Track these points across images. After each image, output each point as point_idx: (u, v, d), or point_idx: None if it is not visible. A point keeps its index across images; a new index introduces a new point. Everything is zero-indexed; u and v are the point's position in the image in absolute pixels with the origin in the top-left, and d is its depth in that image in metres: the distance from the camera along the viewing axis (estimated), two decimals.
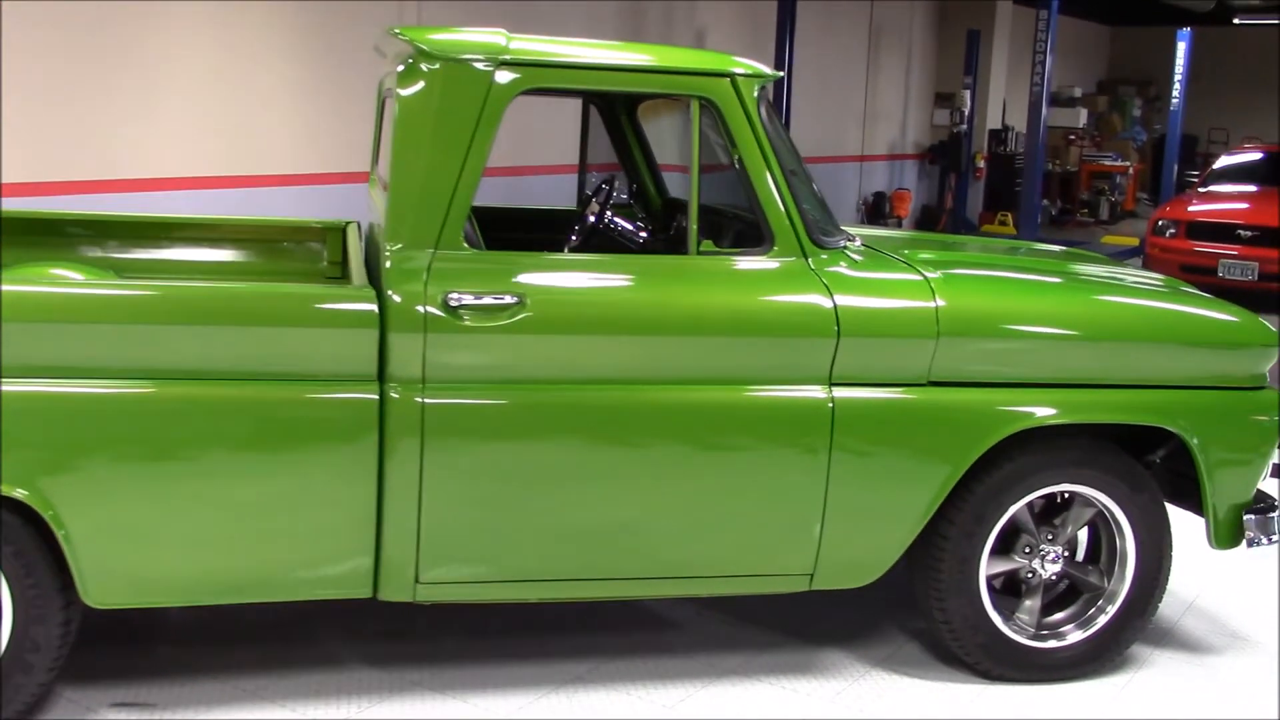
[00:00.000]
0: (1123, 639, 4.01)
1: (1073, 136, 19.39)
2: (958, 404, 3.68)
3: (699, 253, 3.60)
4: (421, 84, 3.42)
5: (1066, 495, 3.93)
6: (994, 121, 17.46)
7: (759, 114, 3.61)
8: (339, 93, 8.49)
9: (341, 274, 4.53)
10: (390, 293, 3.35)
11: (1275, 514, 4.01)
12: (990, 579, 3.88)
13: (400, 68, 3.53)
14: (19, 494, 3.13)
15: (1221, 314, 4.05)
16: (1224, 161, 13.61)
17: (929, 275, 3.75)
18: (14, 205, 5.64)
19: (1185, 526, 4.22)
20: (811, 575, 3.72)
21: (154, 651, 3.86)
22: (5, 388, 3.11)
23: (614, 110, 4.63)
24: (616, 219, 4.26)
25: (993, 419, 3.69)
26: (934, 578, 3.83)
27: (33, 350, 3.13)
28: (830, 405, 3.59)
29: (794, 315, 3.58)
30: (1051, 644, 3.96)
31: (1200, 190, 13.00)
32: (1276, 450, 4.05)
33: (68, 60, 7.07)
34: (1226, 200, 12.27)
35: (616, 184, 4.33)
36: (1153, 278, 4.56)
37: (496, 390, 3.42)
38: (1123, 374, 3.83)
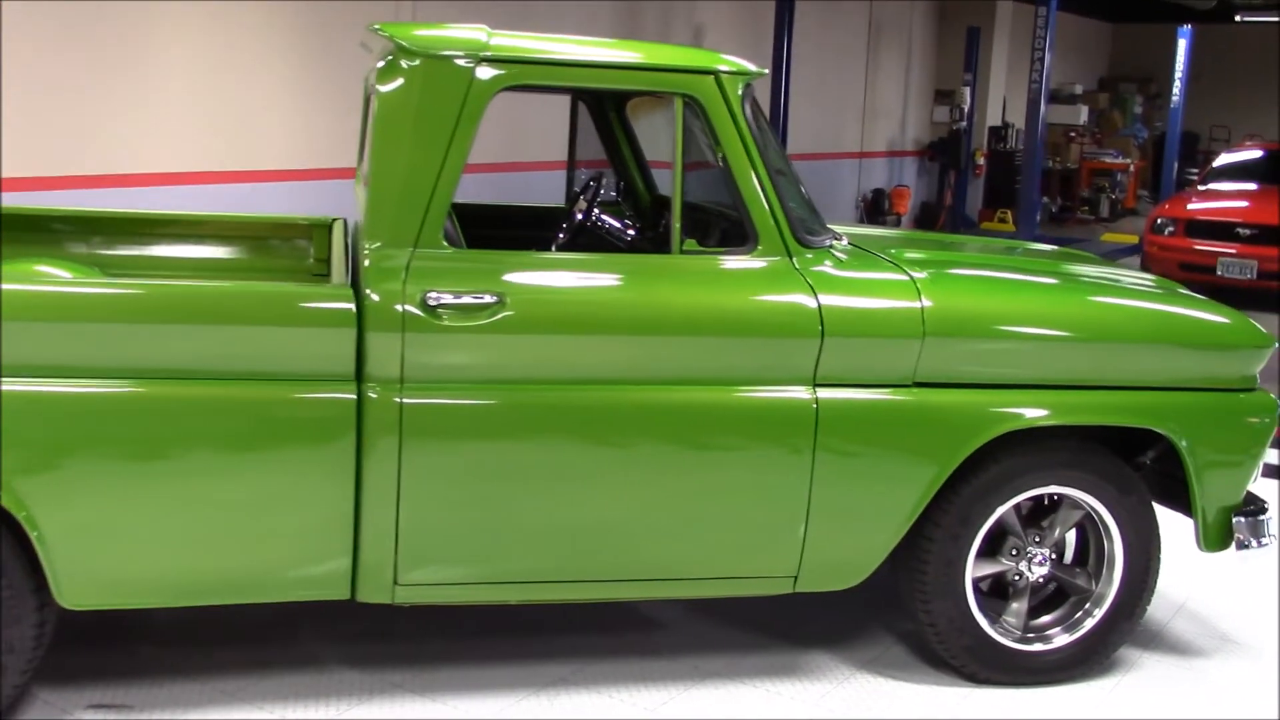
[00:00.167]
0: (1110, 642, 3.98)
1: (1073, 134, 19.35)
2: (943, 405, 3.65)
3: (682, 252, 3.56)
4: (401, 81, 3.39)
5: (1054, 497, 3.90)
6: (994, 119, 17.43)
7: (743, 112, 3.57)
8: (335, 87, 8.46)
9: (327, 271, 4.50)
10: (368, 291, 3.31)
11: (1265, 517, 3.98)
12: (977, 581, 3.85)
13: (381, 64, 3.50)
14: None
15: (1212, 315, 4.02)
16: (1223, 159, 13.56)
17: (915, 275, 3.71)
18: (5, 201, 5.62)
19: (1177, 529, 4.19)
20: (795, 577, 3.69)
21: (132, 652, 3.83)
22: None
23: (603, 107, 4.59)
24: (604, 217, 4.22)
25: (979, 420, 3.65)
26: (919, 580, 3.79)
27: (5, 349, 3.10)
28: (814, 406, 3.56)
29: (777, 315, 3.55)
30: (1038, 647, 3.92)
31: (1199, 188, 12.95)
32: (1267, 452, 4.02)
33: (63, 56, 7.06)
34: (1225, 198, 12.23)
35: (604, 181, 4.30)
36: (1145, 278, 4.52)
37: (476, 390, 3.39)
38: (1111, 375, 3.80)
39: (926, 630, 3.86)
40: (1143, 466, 4.09)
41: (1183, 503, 3.99)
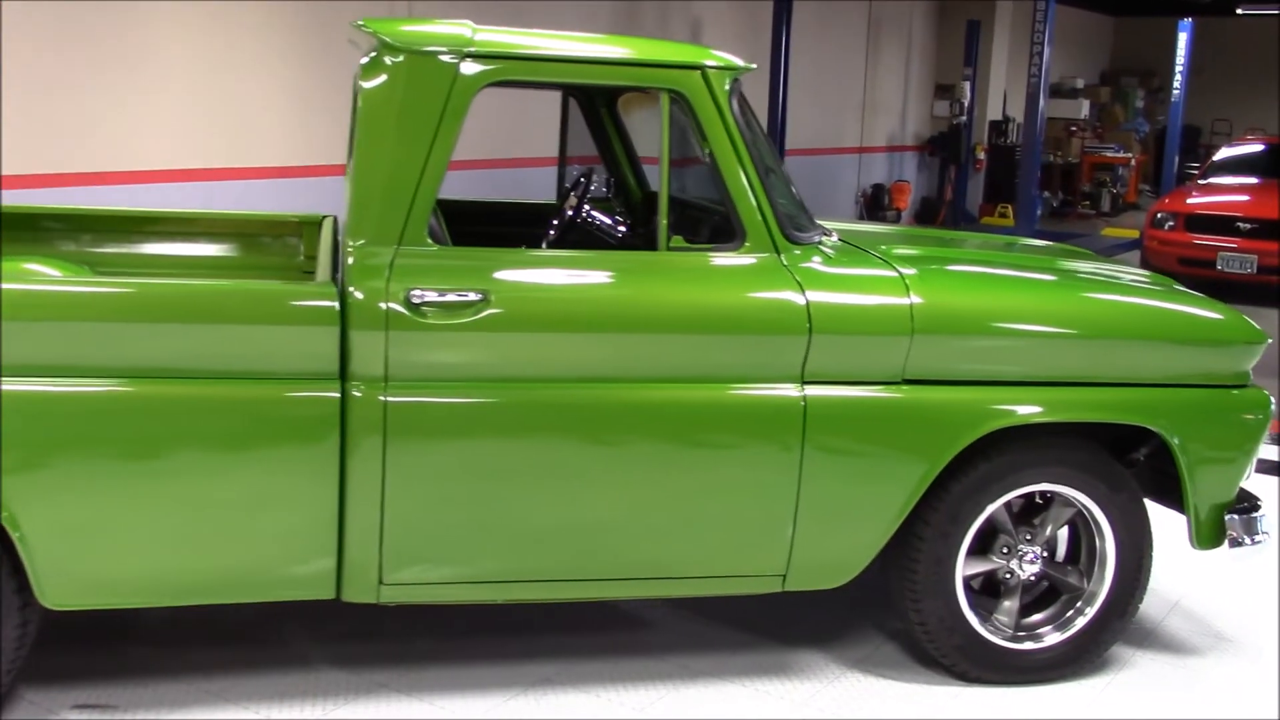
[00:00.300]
0: (1102, 640, 3.95)
1: (1074, 128, 19.30)
2: (933, 402, 3.62)
3: (669, 248, 3.54)
4: (385, 77, 3.37)
5: (1045, 495, 3.87)
6: (994, 113, 17.40)
7: (731, 107, 3.54)
8: (331, 84, 8.43)
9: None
10: (352, 289, 3.29)
11: (1258, 514, 3.96)
12: (968, 579, 3.82)
13: (365, 60, 3.47)
14: None
15: (1206, 311, 3.98)
16: (1224, 153, 13.52)
17: (904, 271, 3.69)
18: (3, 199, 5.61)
19: (1172, 527, 4.16)
20: (784, 576, 3.66)
21: (117, 652, 3.81)
22: None
23: (593, 103, 4.56)
24: (594, 213, 4.19)
25: (968, 417, 3.63)
26: (910, 578, 3.77)
27: None
28: (802, 403, 3.53)
29: (765, 312, 3.52)
30: (1030, 645, 3.90)
31: (1200, 182, 12.91)
32: (1260, 447, 3.99)
33: (62, 54, 7.03)
34: (1225, 192, 12.19)
35: (595, 177, 4.27)
36: (1139, 274, 4.49)
37: (461, 389, 3.36)
38: (1103, 372, 3.77)
39: (917, 629, 3.84)
40: (1135, 463, 4.07)
41: (1175, 500, 3.96)
